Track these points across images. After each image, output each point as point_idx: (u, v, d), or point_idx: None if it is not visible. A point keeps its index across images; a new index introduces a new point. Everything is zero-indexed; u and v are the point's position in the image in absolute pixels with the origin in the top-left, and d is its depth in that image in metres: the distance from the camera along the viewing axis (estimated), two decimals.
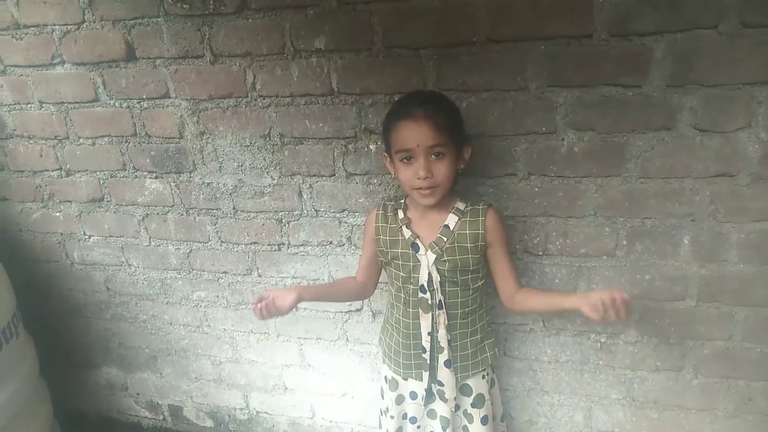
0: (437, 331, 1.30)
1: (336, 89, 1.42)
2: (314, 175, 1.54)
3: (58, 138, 1.71)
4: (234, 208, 1.66)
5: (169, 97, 1.56)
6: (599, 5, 1.19)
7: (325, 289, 1.55)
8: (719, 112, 1.22)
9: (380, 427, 1.51)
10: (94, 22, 1.51)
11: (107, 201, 1.77)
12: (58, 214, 1.84)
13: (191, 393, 2.05)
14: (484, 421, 1.37)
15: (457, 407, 1.38)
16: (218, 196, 1.65)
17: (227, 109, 1.53)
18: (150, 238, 1.79)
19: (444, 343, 1.30)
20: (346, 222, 1.58)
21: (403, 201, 1.35)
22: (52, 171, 1.77)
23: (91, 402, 2.19)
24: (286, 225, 1.64)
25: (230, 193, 1.64)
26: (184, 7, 1.42)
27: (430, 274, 1.26)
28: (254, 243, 1.69)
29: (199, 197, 1.67)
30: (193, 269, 1.80)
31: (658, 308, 1.44)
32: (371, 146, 1.46)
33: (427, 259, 1.26)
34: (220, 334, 1.89)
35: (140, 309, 1.94)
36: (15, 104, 1.69)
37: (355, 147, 1.47)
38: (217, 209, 1.68)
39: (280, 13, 1.37)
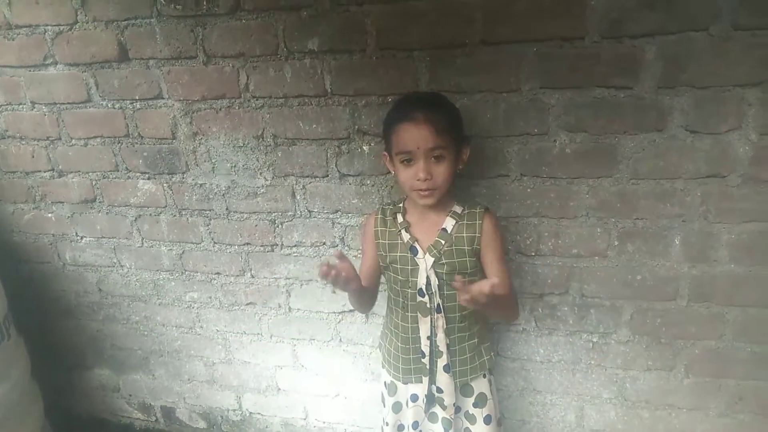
0: (436, 335, 1.30)
1: (329, 90, 1.42)
2: (307, 176, 1.54)
3: (51, 139, 1.70)
4: (227, 209, 1.65)
5: (162, 98, 1.55)
6: (592, 7, 1.20)
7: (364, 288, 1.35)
8: (710, 114, 1.23)
9: None
10: (87, 23, 1.50)
11: (99, 202, 1.76)
12: (50, 215, 1.83)
13: (184, 394, 2.04)
14: (487, 420, 1.36)
15: (458, 409, 1.37)
16: (211, 197, 1.65)
17: (220, 110, 1.52)
18: (143, 239, 1.78)
19: (443, 348, 1.30)
20: (339, 223, 1.58)
21: (401, 205, 1.34)
22: (44, 172, 1.76)
23: (83, 403, 2.18)
24: (280, 226, 1.63)
25: (223, 194, 1.63)
26: (177, 7, 1.42)
27: (428, 278, 1.26)
28: (247, 244, 1.69)
29: (192, 198, 1.67)
30: (185, 270, 1.80)
31: (650, 308, 1.45)
32: (364, 147, 1.46)
33: (425, 262, 1.26)
34: (212, 335, 1.88)
35: (133, 310, 1.93)
36: (7, 105, 1.68)
37: (349, 148, 1.47)
38: (210, 210, 1.67)
39: (274, 14, 1.37)
